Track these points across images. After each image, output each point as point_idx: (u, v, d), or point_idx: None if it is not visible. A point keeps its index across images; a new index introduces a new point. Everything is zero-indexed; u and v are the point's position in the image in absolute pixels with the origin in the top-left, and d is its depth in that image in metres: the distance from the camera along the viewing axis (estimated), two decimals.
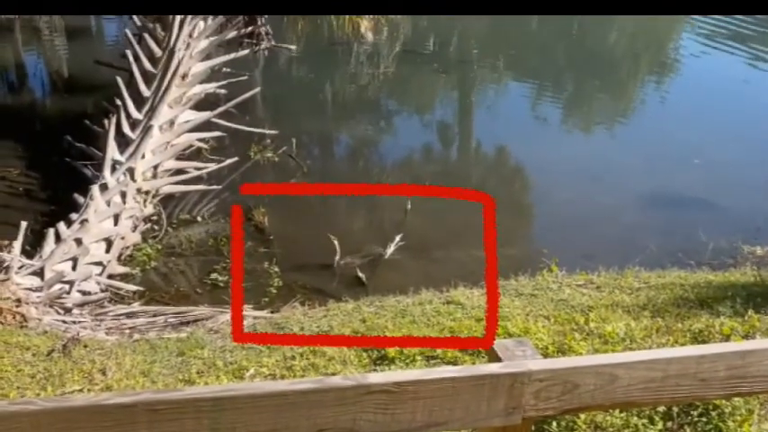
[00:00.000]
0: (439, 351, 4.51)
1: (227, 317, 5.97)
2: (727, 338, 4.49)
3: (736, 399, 3.72)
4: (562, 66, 14.74)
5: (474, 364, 3.94)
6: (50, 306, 6.21)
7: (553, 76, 14.06)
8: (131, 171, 8.11)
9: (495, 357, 2.01)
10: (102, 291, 6.76)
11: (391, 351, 4.51)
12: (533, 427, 3.66)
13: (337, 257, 7.36)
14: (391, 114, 12.43)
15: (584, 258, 6.78)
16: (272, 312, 6.16)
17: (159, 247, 7.66)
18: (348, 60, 13.85)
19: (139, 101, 9.22)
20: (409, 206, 8.30)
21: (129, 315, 6.23)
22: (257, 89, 10.60)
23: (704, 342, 4.41)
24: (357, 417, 1.81)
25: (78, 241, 6.96)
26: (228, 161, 9.13)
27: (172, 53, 9.62)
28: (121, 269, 7.23)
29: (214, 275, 7.15)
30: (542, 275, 6.02)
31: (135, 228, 7.72)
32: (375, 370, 4.34)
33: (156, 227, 7.97)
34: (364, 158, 10.68)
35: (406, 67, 13.71)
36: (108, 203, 7.59)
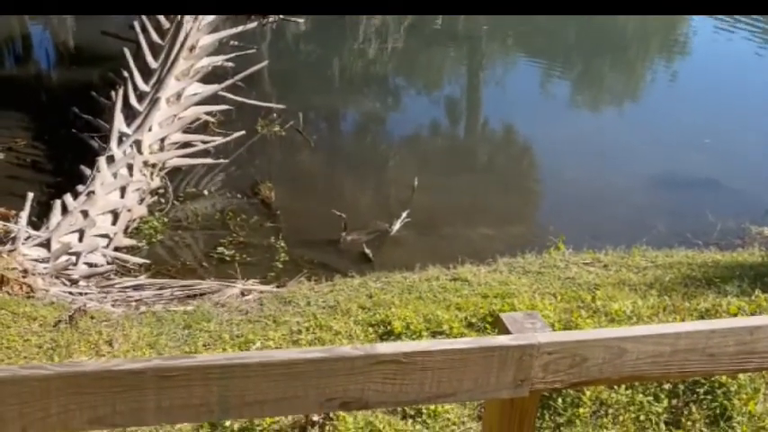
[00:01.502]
0: (445, 327, 4.52)
1: (234, 290, 5.99)
2: (733, 318, 4.48)
3: (741, 377, 3.72)
4: (572, 44, 14.64)
5: None
6: (57, 277, 6.23)
7: (563, 54, 13.98)
8: (138, 143, 8.09)
9: (504, 330, 2.01)
10: (109, 263, 6.77)
11: (398, 326, 4.52)
12: (539, 404, 3.67)
13: (344, 234, 7.36)
14: (399, 90, 12.39)
15: (592, 237, 6.77)
16: (278, 287, 6.17)
17: (165, 220, 7.67)
18: (356, 35, 13.77)
19: (146, 73, 9.20)
20: (416, 183, 8.28)
21: (136, 287, 6.24)
22: (265, 63, 10.56)
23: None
24: (366, 387, 1.81)
25: (85, 213, 6.96)
26: (235, 135, 9.11)
27: (179, 25, 9.57)
28: (128, 242, 7.24)
29: (220, 249, 7.16)
30: (549, 253, 6.02)
31: (141, 200, 7.72)
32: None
33: (162, 200, 7.97)
34: (372, 134, 10.65)
35: (415, 43, 13.64)
36: (114, 176, 7.58)
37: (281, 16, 11.08)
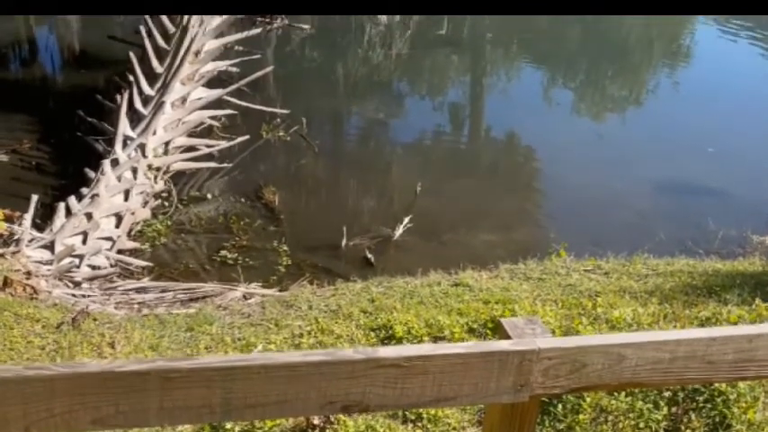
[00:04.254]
0: (446, 332, 4.53)
1: (236, 294, 6.01)
2: (733, 326, 4.49)
3: (741, 385, 3.73)
4: (575, 50, 14.66)
5: None
6: (60, 279, 6.25)
7: (566, 60, 14.00)
8: (143, 147, 8.13)
9: (504, 335, 2.02)
10: (112, 265, 6.79)
11: (399, 330, 4.53)
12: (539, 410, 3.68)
13: (346, 241, 7.36)
14: (403, 96, 12.41)
15: (593, 244, 6.78)
16: (280, 290, 6.19)
17: (169, 223, 7.68)
18: (361, 41, 13.81)
19: (152, 77, 9.23)
20: (419, 188, 8.30)
21: (139, 290, 6.26)
22: (270, 68, 10.59)
23: None
24: (367, 390, 1.82)
25: (89, 216, 6.99)
26: (239, 139, 9.13)
27: (185, 30, 9.61)
28: (131, 244, 7.26)
29: (223, 253, 7.18)
30: (551, 260, 6.02)
31: (145, 203, 7.75)
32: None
33: (166, 203, 7.99)
34: (375, 140, 10.67)
35: (419, 49, 13.66)
36: (119, 179, 7.61)
37: (287, 21, 11.11)
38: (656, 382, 2.09)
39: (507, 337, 2.00)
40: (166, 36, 9.83)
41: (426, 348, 1.91)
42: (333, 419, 3.57)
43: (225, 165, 8.82)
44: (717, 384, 3.70)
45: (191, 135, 9.08)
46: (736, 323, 4.52)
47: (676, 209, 8.43)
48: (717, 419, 3.66)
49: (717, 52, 14.44)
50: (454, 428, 3.73)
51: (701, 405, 3.72)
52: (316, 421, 3.58)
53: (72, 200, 7.15)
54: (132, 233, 7.43)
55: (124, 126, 8.28)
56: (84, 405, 1.69)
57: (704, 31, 15.61)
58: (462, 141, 11.19)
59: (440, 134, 10.88)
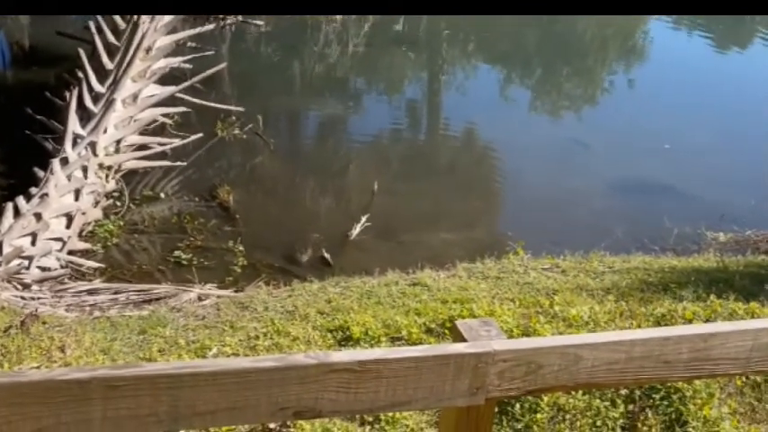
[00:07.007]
0: (404, 332, 4.50)
1: (191, 295, 5.91)
2: (689, 323, 4.53)
3: (697, 383, 3.76)
4: (533, 49, 14.76)
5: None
6: (8, 282, 6.09)
7: (523, 59, 14.09)
8: (93, 145, 7.95)
9: (459, 337, 1.99)
10: (63, 267, 6.64)
11: (356, 332, 4.48)
12: (497, 409, 3.67)
13: (302, 242, 7.30)
14: (359, 93, 12.36)
15: (551, 242, 6.80)
16: (236, 291, 6.10)
17: (121, 223, 7.55)
18: (317, 38, 13.72)
19: (102, 74, 9.04)
20: (376, 187, 8.27)
21: (90, 292, 6.13)
22: (223, 64, 10.46)
23: (667, 326, 4.45)
24: (319, 395, 1.79)
25: (38, 216, 6.82)
26: (193, 137, 8.99)
27: (136, 26, 9.44)
28: (82, 245, 7.11)
29: (177, 253, 7.07)
30: (508, 258, 6.02)
31: (96, 203, 7.59)
32: (340, 350, 4.31)
33: (118, 203, 7.85)
34: (332, 138, 10.61)
35: (376, 47, 13.63)
36: (69, 178, 7.44)
37: (241, 18, 10.99)
38: (613, 382, 2.08)
39: (462, 339, 1.97)
40: (117, 32, 9.65)
41: (380, 352, 1.87)
42: (289, 423, 3.52)
43: (178, 163, 8.68)
44: (673, 382, 3.73)
45: (143, 133, 8.91)
46: (691, 320, 4.57)
47: (633, 206, 8.52)
48: (673, 416, 3.69)
49: (671, 50, 14.63)
50: (412, 430, 3.70)
51: (658, 402, 3.74)
52: (272, 426, 3.52)
53: (20, 200, 6.97)
54: (83, 234, 7.28)
55: (74, 124, 8.10)
56: (23, 416, 1.63)
57: (658, 29, 15.81)
58: (420, 139, 11.19)
59: (397, 132, 10.86)
